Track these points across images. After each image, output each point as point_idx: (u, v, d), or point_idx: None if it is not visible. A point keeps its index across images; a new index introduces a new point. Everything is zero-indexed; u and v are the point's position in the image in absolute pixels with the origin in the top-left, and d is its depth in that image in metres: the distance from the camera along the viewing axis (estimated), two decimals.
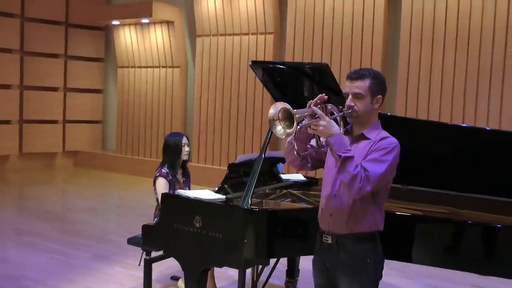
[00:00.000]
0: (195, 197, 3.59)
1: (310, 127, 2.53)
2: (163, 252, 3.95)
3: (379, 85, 2.68)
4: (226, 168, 4.05)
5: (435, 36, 7.90)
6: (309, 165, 2.84)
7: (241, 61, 9.90)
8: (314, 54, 9.01)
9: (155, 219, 4.53)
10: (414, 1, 8.04)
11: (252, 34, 9.80)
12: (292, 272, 4.75)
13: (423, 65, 7.98)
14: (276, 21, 9.62)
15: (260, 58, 9.66)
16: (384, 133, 2.69)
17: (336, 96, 3.27)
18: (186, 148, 4.54)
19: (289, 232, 3.44)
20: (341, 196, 2.67)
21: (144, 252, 4.43)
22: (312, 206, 3.67)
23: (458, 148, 3.75)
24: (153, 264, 4.40)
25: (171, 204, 3.68)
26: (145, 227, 3.88)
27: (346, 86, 2.69)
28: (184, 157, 4.56)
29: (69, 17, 11.57)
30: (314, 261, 2.85)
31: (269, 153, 4.18)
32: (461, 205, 3.80)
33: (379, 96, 2.68)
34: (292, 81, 3.51)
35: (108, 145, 12.49)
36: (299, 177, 4.74)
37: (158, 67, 11.08)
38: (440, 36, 7.87)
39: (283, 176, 4.63)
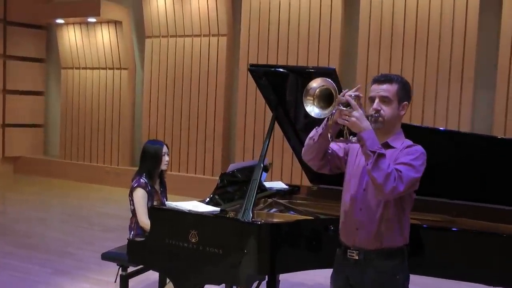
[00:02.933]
0: (189, 210, 3.34)
1: (341, 117, 2.36)
2: (153, 270, 3.69)
3: (406, 91, 2.57)
4: (218, 178, 3.81)
5: (393, 38, 7.94)
6: (328, 168, 2.68)
7: (193, 64, 9.64)
8: (269, 57, 8.85)
9: (131, 233, 4.25)
10: (372, 3, 8.05)
11: (204, 36, 9.56)
12: (273, 283, 4.57)
13: (381, 67, 7.98)
14: (230, 23, 9.41)
15: (213, 61, 9.45)
16: (408, 142, 2.57)
17: None
18: (166, 158, 4.29)
19: (293, 246, 3.27)
20: (368, 209, 2.52)
21: (120, 268, 4.16)
22: (312, 218, 3.52)
23: (452, 155, 3.68)
24: None
25: (161, 218, 3.42)
26: (131, 243, 3.60)
27: (372, 90, 2.55)
28: (163, 166, 4.31)
29: (7, 14, 10.89)
30: (334, 279, 2.69)
31: (253, 161, 4.00)
32: (454, 213, 3.75)
33: (406, 102, 2.56)
34: (294, 86, 3.32)
35: (51, 150, 11.86)
36: (281, 185, 4.58)
37: (105, 68, 10.63)
38: (398, 38, 7.91)
39: (266, 184, 4.46)
